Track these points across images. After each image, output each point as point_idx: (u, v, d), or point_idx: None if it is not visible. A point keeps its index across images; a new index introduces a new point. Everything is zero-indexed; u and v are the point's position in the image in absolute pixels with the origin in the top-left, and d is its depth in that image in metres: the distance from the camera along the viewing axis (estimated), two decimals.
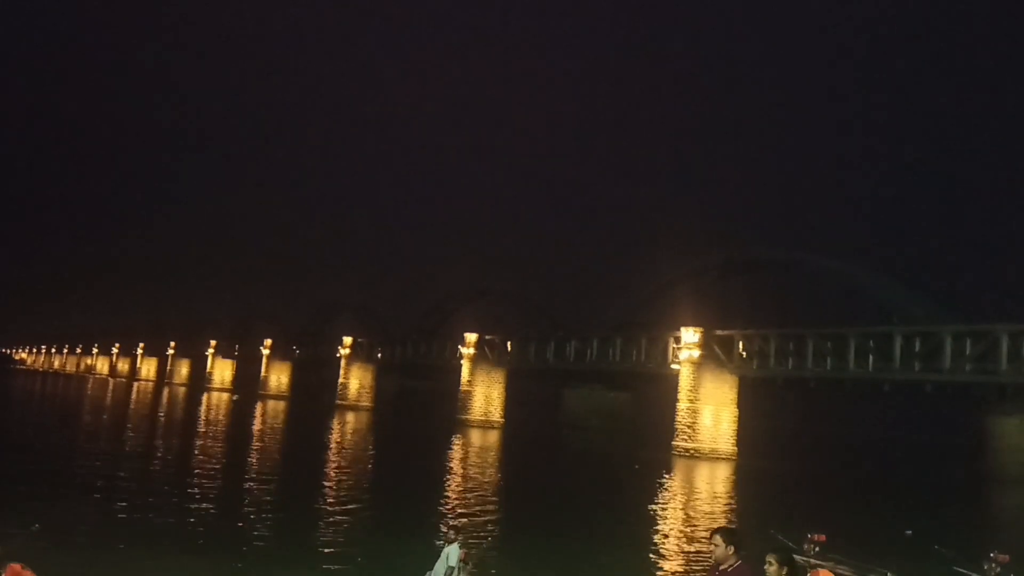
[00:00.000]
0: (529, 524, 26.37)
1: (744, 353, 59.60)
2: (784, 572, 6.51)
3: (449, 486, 36.27)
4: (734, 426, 58.71)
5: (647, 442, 63.12)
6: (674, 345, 61.82)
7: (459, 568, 13.32)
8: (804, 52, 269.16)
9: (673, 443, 58.19)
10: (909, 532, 26.53)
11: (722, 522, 30.93)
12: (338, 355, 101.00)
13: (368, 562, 19.00)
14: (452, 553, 13.26)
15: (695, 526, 29.06)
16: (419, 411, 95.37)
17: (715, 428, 58.23)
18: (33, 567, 7.00)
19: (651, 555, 22.80)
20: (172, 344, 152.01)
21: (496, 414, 78.91)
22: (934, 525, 31.17)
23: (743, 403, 59.63)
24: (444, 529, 14.26)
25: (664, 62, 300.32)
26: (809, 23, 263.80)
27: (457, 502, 30.64)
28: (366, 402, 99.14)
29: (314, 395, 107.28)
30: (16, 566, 7.10)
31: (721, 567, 6.79)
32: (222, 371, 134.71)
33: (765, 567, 6.55)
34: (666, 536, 26.87)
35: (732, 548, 6.80)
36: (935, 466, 73.57)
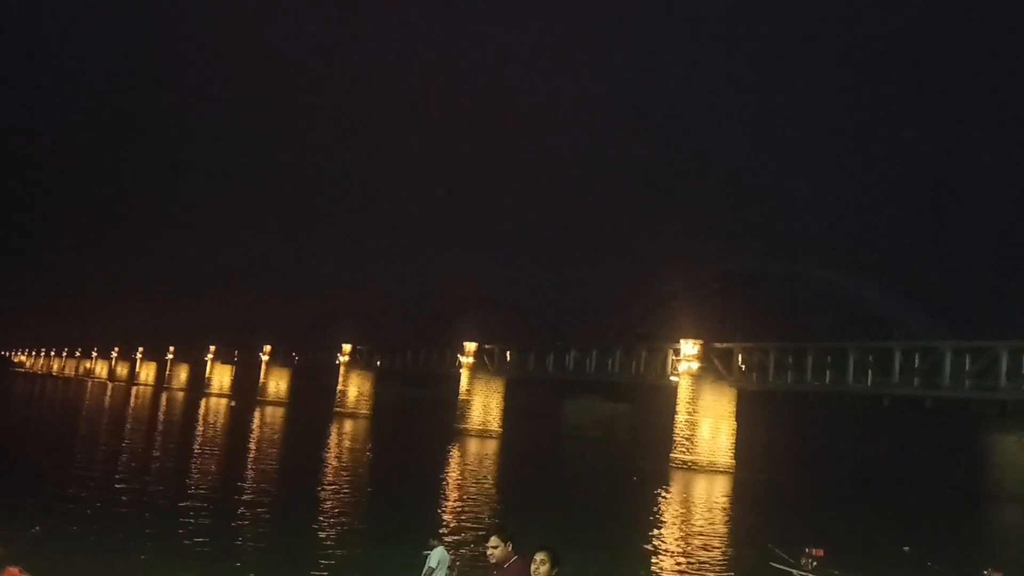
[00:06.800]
0: (523, 535, 26.30)
1: (743, 366, 59.57)
2: (555, 572, 6.63)
3: (445, 496, 36.23)
4: (732, 439, 58.61)
5: (645, 454, 63.02)
6: (673, 357, 61.79)
7: (447, 573, 13.46)
8: (803, 65, 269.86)
9: (671, 455, 58.08)
10: (907, 548, 26.51)
11: (721, 534, 30.89)
12: (337, 362, 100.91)
13: (362, 570, 19.00)
14: (432, 556, 13.45)
15: (692, 539, 29.02)
16: (417, 419, 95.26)
17: (713, 441, 58.13)
18: (32, 570, 6.99)
19: (647, 569, 22.77)
20: (171, 349, 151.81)
21: (494, 423, 78.76)
22: (931, 541, 31.12)
23: (742, 416, 59.56)
24: (431, 538, 14.36)
25: (665, 74, 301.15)
26: (810, 36, 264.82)
27: (452, 511, 30.61)
28: (365, 410, 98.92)
29: (313, 402, 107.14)
30: (14, 569, 7.10)
31: (505, 565, 6.85)
32: (221, 376, 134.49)
33: (535, 567, 6.60)
34: (662, 550, 26.83)
35: (510, 545, 6.89)
36: (933, 482, 73.45)
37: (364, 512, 29.15)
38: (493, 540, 6.91)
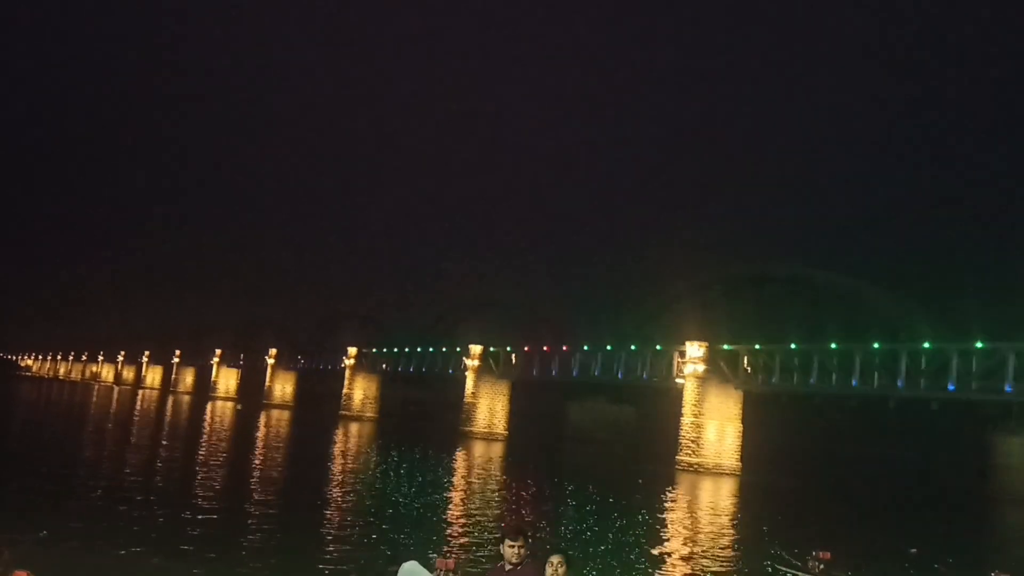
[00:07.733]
0: (529, 538, 26.26)
1: (749, 368, 59.47)
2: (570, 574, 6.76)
3: (451, 499, 36.22)
4: (738, 441, 58.54)
5: (651, 456, 62.96)
6: (679, 359, 61.73)
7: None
8: (810, 65, 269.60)
9: (677, 457, 58.02)
10: (913, 550, 26.47)
11: (728, 536, 30.85)
12: (343, 365, 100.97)
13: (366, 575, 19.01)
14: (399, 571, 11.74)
15: (699, 542, 28.98)
16: (423, 422, 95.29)
17: (719, 443, 58.06)
18: (39, 574, 7.02)
19: (654, 570, 22.73)
20: (177, 353, 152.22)
21: (500, 426, 78.78)
22: (938, 543, 31.07)
23: (747, 418, 59.47)
24: (389, 564, 13.56)
25: (671, 75, 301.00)
26: (815, 34, 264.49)
27: (458, 514, 30.60)
28: (370, 412, 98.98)
29: (318, 405, 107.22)
30: (22, 573, 7.13)
31: (519, 566, 6.90)
32: (227, 380, 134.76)
33: (552, 570, 6.67)
34: (669, 551, 26.79)
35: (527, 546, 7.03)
36: (939, 484, 73.27)
37: (369, 516, 29.13)
38: (520, 540, 6.98)
